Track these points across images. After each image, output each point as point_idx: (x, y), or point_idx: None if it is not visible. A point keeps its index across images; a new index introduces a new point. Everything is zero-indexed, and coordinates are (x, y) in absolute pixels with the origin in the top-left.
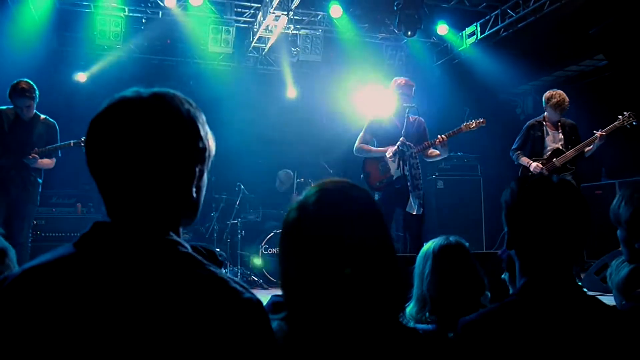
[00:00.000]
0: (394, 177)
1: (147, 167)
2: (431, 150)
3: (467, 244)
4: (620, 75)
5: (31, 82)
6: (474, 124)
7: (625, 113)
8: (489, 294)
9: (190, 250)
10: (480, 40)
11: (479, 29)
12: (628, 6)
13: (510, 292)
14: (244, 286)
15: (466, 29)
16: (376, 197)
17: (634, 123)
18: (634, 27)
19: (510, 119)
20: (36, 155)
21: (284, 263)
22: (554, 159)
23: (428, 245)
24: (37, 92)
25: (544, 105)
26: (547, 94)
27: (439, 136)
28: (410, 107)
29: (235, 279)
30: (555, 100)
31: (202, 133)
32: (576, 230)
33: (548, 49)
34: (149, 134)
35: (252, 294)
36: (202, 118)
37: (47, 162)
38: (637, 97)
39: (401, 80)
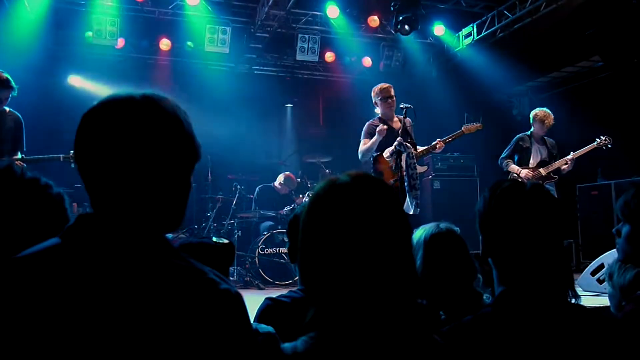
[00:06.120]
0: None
1: (133, 165)
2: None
3: (457, 229)
4: (616, 76)
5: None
6: (473, 128)
7: (602, 137)
8: (481, 277)
9: (171, 243)
10: (477, 41)
11: (475, 29)
12: (624, 7)
13: (484, 296)
14: (222, 278)
15: (463, 29)
16: None
17: (609, 146)
18: (629, 28)
19: (507, 120)
20: (23, 164)
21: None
22: (541, 168)
23: (419, 234)
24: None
25: (531, 122)
26: (534, 112)
27: (438, 141)
28: (407, 107)
29: (215, 271)
30: (539, 116)
31: (188, 136)
32: (551, 236)
33: (544, 50)
34: (138, 133)
35: (231, 285)
36: (189, 122)
37: None
38: (633, 97)
39: (376, 87)
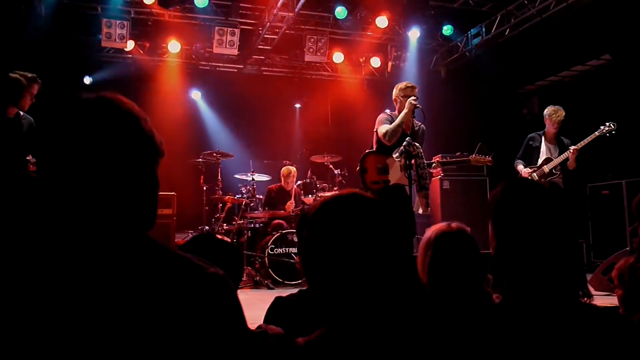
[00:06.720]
0: (390, 183)
1: (93, 166)
2: None
3: (468, 229)
4: (626, 75)
5: None
6: (482, 161)
7: (606, 123)
8: (491, 278)
9: (149, 236)
10: (486, 41)
11: (484, 29)
12: (634, 5)
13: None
14: (208, 262)
15: (472, 29)
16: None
17: (613, 132)
18: None
19: (516, 119)
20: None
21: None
22: (544, 165)
23: (429, 233)
24: None
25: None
26: (546, 109)
27: (436, 160)
28: (416, 107)
29: (201, 258)
30: (547, 112)
31: (146, 133)
32: (563, 235)
33: (554, 49)
34: (94, 134)
35: (217, 268)
36: (147, 120)
37: None
38: None
39: (400, 84)
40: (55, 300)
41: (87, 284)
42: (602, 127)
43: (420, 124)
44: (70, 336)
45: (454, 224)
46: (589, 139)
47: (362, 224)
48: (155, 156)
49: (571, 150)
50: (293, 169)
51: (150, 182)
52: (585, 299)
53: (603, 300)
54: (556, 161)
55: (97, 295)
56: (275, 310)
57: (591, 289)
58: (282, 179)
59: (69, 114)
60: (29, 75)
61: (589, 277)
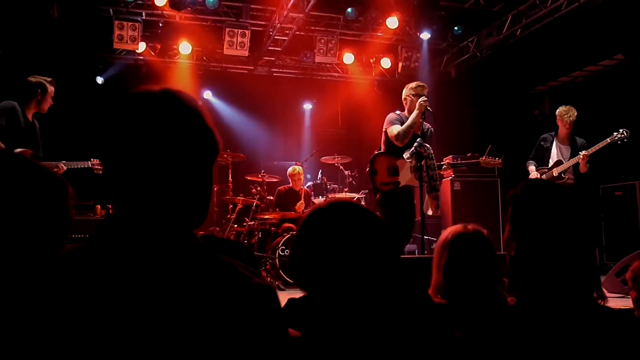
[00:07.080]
0: (400, 185)
1: (156, 159)
2: None
3: (484, 231)
4: (639, 75)
5: None
6: (492, 163)
7: (620, 130)
8: (506, 281)
9: (198, 239)
10: (497, 41)
11: (495, 29)
12: None
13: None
14: (253, 271)
15: (483, 29)
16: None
17: (625, 140)
18: None
19: (527, 120)
20: (64, 167)
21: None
22: (554, 169)
23: (445, 234)
24: None
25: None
26: (558, 109)
27: (445, 162)
28: (427, 108)
29: (244, 265)
30: (559, 112)
31: (209, 129)
32: (581, 238)
33: (565, 49)
34: (159, 126)
35: (262, 278)
36: (208, 116)
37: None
38: None
39: (412, 83)
40: (99, 304)
41: (130, 286)
42: (614, 134)
43: (429, 126)
44: (110, 340)
45: (470, 226)
46: (599, 145)
47: (340, 234)
48: (214, 153)
49: (581, 156)
50: (299, 168)
51: (206, 179)
52: (600, 300)
53: (616, 302)
54: (566, 165)
55: (139, 299)
56: (289, 313)
57: (605, 291)
58: (290, 178)
59: (135, 107)
60: (48, 79)
61: (602, 279)
